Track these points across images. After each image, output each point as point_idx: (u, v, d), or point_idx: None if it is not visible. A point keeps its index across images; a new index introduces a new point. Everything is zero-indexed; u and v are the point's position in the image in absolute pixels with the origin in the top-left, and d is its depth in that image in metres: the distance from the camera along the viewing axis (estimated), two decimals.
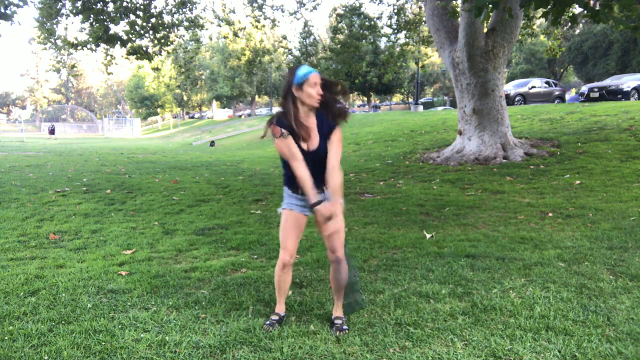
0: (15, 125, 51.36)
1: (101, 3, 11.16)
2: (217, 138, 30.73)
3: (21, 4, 7.73)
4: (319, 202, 2.57)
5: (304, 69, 2.54)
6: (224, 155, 16.94)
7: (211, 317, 2.90)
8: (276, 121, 2.57)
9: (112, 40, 11.55)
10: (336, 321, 2.75)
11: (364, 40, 15.60)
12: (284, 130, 2.55)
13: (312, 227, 4.15)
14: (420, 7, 15.13)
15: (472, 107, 9.97)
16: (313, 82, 2.53)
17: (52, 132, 40.51)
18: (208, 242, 4.75)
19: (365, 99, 56.27)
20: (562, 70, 47.11)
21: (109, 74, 13.22)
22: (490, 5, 5.00)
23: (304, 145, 2.61)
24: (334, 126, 2.63)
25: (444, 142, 12.37)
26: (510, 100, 21.17)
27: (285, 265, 2.74)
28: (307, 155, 2.60)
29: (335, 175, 2.60)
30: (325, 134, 2.63)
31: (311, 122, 2.62)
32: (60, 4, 11.08)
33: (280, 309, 2.87)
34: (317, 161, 2.62)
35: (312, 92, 2.53)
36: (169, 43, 12.92)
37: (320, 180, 2.64)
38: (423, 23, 14.48)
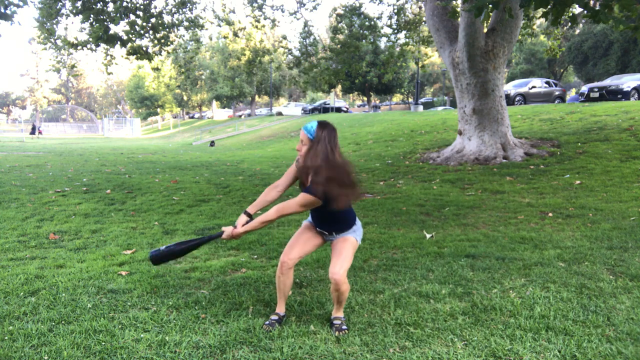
0: (15, 125, 51.35)
1: (101, 3, 11.15)
2: (217, 138, 30.72)
3: (21, 4, 7.72)
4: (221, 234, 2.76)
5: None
6: (224, 155, 16.94)
7: (211, 317, 2.90)
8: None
9: (112, 40, 11.55)
10: (335, 321, 2.75)
11: (364, 40, 15.58)
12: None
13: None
14: (420, 7, 15.13)
15: (472, 107, 9.97)
16: (301, 138, 2.66)
17: (33, 131, 39.14)
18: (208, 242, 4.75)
19: (365, 99, 56.28)
20: (562, 70, 47.10)
21: (109, 74, 13.21)
22: (490, 5, 5.00)
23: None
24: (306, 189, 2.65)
25: (444, 142, 12.37)
26: (510, 100, 21.18)
27: (282, 265, 2.75)
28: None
29: (267, 197, 2.81)
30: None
31: None
32: (60, 4, 11.07)
33: (281, 309, 2.87)
34: (320, 210, 2.70)
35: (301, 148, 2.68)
36: (169, 43, 12.91)
37: (325, 225, 2.79)
38: (423, 23, 14.48)
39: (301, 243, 2.81)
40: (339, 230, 2.76)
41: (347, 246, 2.71)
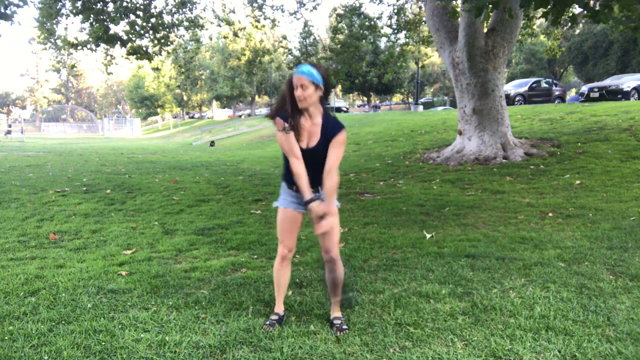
0: (15, 125, 51.27)
1: (101, 3, 11.15)
2: (217, 138, 30.72)
3: (21, 4, 7.72)
4: (312, 200, 2.58)
5: (299, 68, 2.55)
6: (224, 155, 16.94)
7: (211, 317, 2.90)
8: (280, 115, 2.58)
9: (112, 40, 11.55)
10: (335, 321, 2.75)
11: (364, 40, 15.58)
12: (286, 125, 2.56)
13: (310, 227, 4.15)
14: (420, 7, 15.13)
15: (472, 107, 9.97)
16: (295, 84, 2.54)
17: (8, 132, 38.01)
18: (208, 242, 4.75)
19: (365, 99, 56.25)
20: (562, 70, 47.10)
21: (109, 74, 13.21)
22: (490, 5, 5.00)
23: (302, 143, 2.62)
24: (338, 130, 2.62)
25: (444, 142, 12.36)
26: (510, 100, 21.18)
27: (284, 258, 2.75)
28: (305, 153, 2.61)
29: (331, 177, 2.60)
30: (328, 134, 2.62)
31: (316, 121, 2.64)
32: (60, 4, 11.07)
33: (280, 308, 2.87)
34: (314, 160, 2.63)
35: (297, 94, 2.55)
36: (169, 43, 12.91)
37: (316, 179, 2.65)
38: (423, 23, 14.48)
39: (289, 229, 2.75)
40: (319, 180, 2.65)
41: (337, 221, 2.68)
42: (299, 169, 2.59)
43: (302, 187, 2.59)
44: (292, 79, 2.56)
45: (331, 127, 2.63)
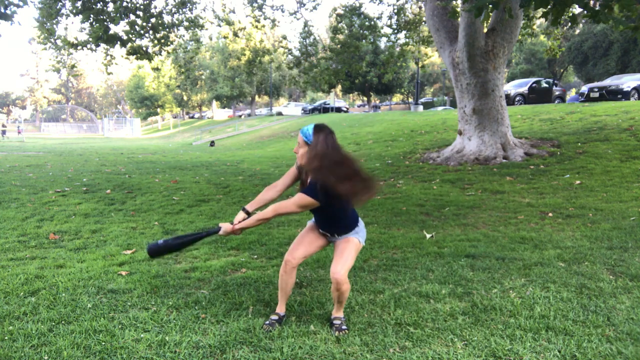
0: (15, 125, 51.23)
1: (101, 3, 11.15)
2: (217, 138, 30.72)
3: (21, 4, 7.72)
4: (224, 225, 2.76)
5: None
6: (224, 155, 16.94)
7: (211, 317, 2.90)
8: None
9: (112, 40, 11.55)
10: (335, 321, 2.75)
11: (364, 40, 15.58)
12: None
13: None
14: (420, 7, 15.13)
15: (472, 107, 9.97)
16: (298, 140, 2.66)
17: (3, 132, 35.53)
18: (208, 242, 4.75)
19: (365, 99, 56.24)
20: (562, 70, 47.10)
21: (109, 74, 13.22)
22: (490, 5, 5.00)
23: None
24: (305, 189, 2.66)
25: (444, 142, 12.36)
26: (510, 100, 21.18)
27: (287, 263, 2.75)
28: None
29: (265, 196, 2.82)
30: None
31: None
32: (60, 4, 11.07)
33: (281, 309, 2.87)
34: (322, 212, 2.72)
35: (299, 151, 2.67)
36: (169, 43, 12.91)
37: (326, 226, 2.81)
38: (423, 23, 14.48)
39: (306, 243, 2.81)
40: (341, 232, 2.77)
41: (350, 247, 2.72)
42: (266, 194, 2.84)
43: (251, 203, 2.83)
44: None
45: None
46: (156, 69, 15.43)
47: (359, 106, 64.73)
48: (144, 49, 12.69)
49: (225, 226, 2.75)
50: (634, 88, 17.96)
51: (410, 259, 4.04)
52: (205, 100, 59.80)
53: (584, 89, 19.57)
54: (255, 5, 14.12)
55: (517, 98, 21.79)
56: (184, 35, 13.94)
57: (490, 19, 9.95)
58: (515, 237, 4.65)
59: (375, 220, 5.67)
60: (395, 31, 14.72)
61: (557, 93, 23.28)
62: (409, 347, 2.50)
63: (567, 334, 2.59)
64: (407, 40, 15.00)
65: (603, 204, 5.94)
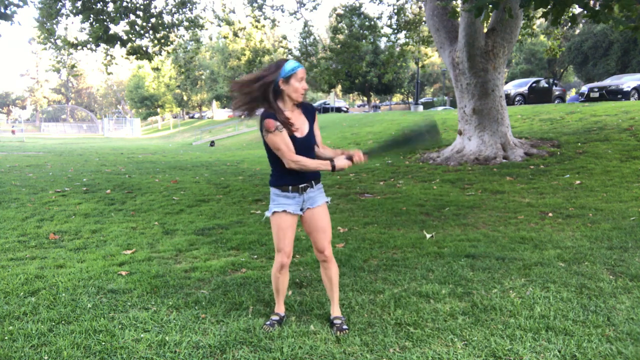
0: (15, 125, 51.23)
1: (101, 3, 11.15)
2: (217, 138, 30.72)
3: (21, 4, 7.73)
4: (334, 163, 2.57)
5: (291, 63, 2.57)
6: (224, 155, 16.93)
7: (211, 317, 2.90)
8: (268, 115, 2.56)
9: (112, 40, 11.55)
10: (335, 321, 2.75)
11: (364, 40, 15.58)
12: (278, 124, 2.54)
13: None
14: (420, 7, 15.13)
15: (472, 107, 9.97)
16: (300, 76, 2.57)
17: None
18: (208, 242, 4.75)
19: (365, 99, 56.23)
20: (562, 70, 47.10)
21: (109, 74, 13.22)
22: (490, 6, 5.00)
23: (297, 133, 2.63)
24: (312, 108, 2.75)
25: (444, 142, 12.36)
26: (510, 100, 21.18)
27: (284, 266, 2.75)
28: (300, 144, 2.61)
29: (327, 148, 2.77)
30: (310, 117, 2.70)
31: (297, 112, 2.67)
32: (60, 4, 11.07)
33: (280, 309, 2.87)
34: (307, 147, 2.66)
35: (298, 86, 2.57)
36: (169, 43, 12.92)
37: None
38: (423, 23, 14.48)
39: (288, 235, 2.71)
40: (317, 177, 2.72)
41: (326, 216, 2.73)
42: (303, 159, 2.56)
43: (319, 165, 2.58)
44: (283, 75, 2.54)
45: (309, 109, 2.73)
46: (156, 69, 15.44)
47: (359, 106, 64.71)
48: (144, 49, 12.69)
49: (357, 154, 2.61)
50: (634, 88, 17.97)
51: (410, 259, 4.04)
52: (205, 100, 59.81)
53: (584, 89, 19.58)
54: (255, 5, 14.13)
55: (517, 98, 21.80)
56: (184, 35, 13.94)
57: (490, 19, 9.95)
58: (515, 237, 4.65)
59: (375, 220, 5.67)
60: (395, 31, 14.72)
61: (557, 93, 23.28)
62: (409, 347, 2.50)
63: (567, 334, 2.59)
64: (407, 40, 15.01)
65: (603, 204, 5.94)
